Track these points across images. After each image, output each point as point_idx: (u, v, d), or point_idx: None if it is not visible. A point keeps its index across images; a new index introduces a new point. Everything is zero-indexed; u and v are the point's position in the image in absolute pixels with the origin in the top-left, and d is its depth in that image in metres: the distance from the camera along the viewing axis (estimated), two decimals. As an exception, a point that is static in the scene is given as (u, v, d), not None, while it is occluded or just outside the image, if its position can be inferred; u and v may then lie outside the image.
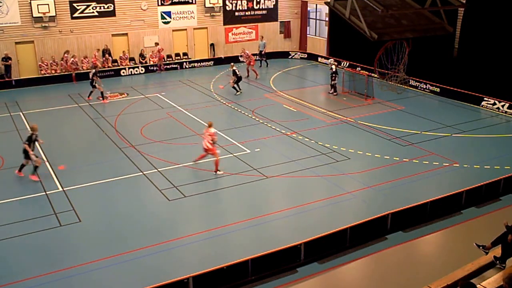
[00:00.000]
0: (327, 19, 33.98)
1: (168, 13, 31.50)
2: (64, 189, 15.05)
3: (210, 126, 16.17)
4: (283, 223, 13.33)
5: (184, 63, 31.93)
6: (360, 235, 12.20)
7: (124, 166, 16.76)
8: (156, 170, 16.21)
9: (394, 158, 17.10)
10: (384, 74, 21.03)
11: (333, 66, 25.14)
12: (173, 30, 31.89)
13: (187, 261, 11.61)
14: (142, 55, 30.76)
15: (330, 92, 25.34)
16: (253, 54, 30.24)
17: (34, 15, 27.85)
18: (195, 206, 14.28)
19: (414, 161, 16.87)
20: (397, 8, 13.44)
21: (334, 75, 24.92)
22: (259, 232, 12.88)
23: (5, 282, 10.81)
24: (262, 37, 32.42)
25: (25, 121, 21.56)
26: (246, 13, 34.09)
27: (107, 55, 29.90)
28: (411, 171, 16.09)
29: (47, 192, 14.83)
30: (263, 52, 31.77)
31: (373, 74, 25.47)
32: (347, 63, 30.36)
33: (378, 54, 19.72)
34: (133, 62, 30.77)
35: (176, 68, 31.53)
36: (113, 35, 30.35)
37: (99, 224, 13.29)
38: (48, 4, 27.84)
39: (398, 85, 21.27)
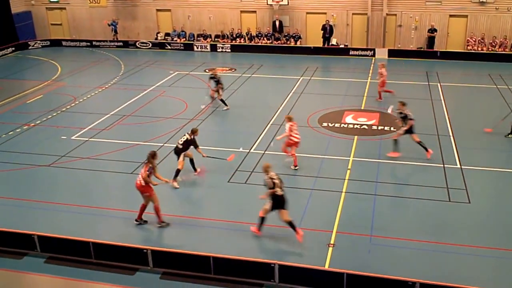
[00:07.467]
0: None
1: None
2: (462, 167, 15.08)
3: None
4: None
5: None
6: None
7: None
8: None
9: None
10: None
11: None
12: None
13: None
14: None
15: None
16: None
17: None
18: None
19: None
20: None
21: None
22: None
23: (383, 234, 11.84)
24: None
25: (440, 92, 22.25)
26: None
27: None
28: None
29: (445, 165, 15.16)
30: None
31: None
32: None
33: None
34: None
35: None
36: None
37: (487, 211, 12.89)
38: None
39: None
